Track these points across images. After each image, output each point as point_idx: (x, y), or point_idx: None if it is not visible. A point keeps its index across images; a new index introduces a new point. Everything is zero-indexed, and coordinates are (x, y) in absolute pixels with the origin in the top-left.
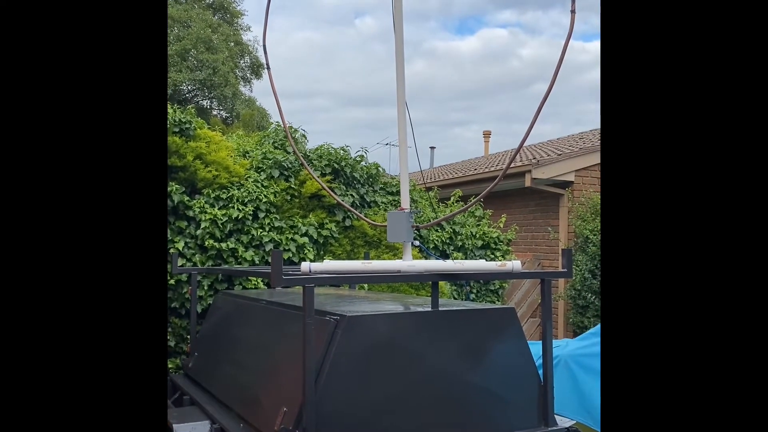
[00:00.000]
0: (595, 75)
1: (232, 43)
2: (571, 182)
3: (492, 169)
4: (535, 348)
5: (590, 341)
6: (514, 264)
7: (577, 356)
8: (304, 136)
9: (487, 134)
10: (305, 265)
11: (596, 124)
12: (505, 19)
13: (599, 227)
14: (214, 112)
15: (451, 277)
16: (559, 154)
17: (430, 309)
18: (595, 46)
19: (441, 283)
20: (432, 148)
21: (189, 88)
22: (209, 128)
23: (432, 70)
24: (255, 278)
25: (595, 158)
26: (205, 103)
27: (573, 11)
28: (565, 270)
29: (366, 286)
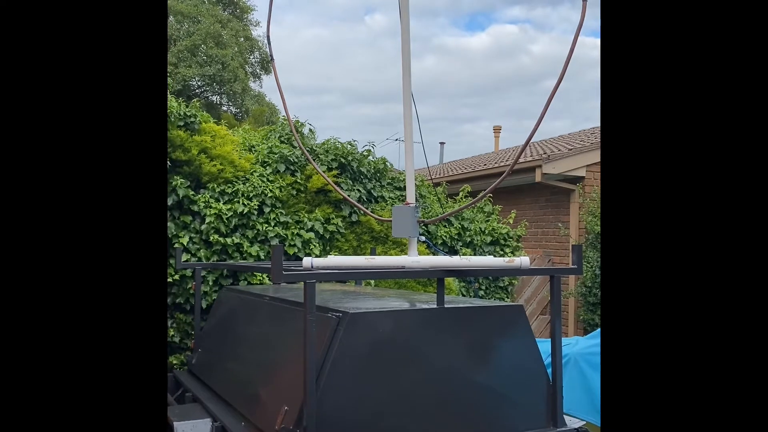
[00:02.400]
0: None
1: (242, 39)
2: (582, 177)
3: (502, 164)
4: (545, 346)
5: (599, 340)
6: (522, 260)
7: (587, 354)
8: (311, 131)
9: (497, 129)
10: (307, 261)
11: None
12: (515, 15)
13: None
14: (224, 108)
15: (457, 273)
16: (570, 149)
17: (435, 306)
18: None
19: (449, 279)
20: (442, 143)
21: (198, 83)
22: (215, 122)
23: (442, 67)
24: (260, 274)
25: None
26: (215, 98)
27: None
28: (575, 266)
29: (372, 282)
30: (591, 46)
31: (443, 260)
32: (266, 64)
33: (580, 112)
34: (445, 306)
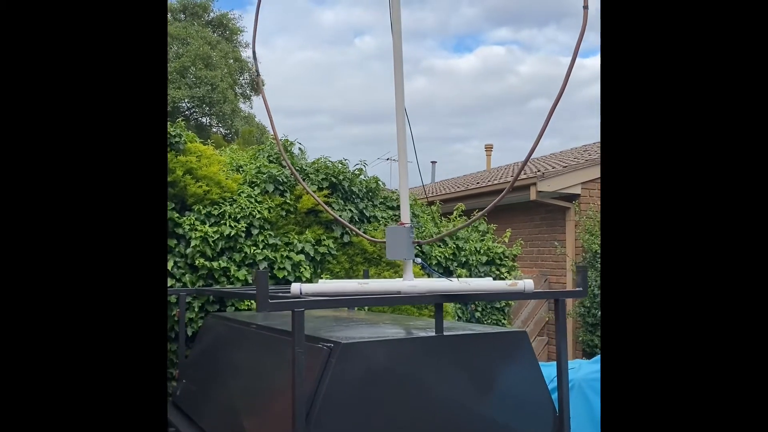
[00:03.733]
0: (592, 91)
1: (231, 60)
2: (578, 195)
3: (495, 182)
4: (546, 370)
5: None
6: (526, 283)
7: (592, 380)
8: (301, 150)
9: (489, 148)
10: (295, 287)
11: (595, 138)
12: (502, 37)
13: None
14: (214, 129)
15: (457, 298)
16: (565, 167)
17: (434, 334)
18: (593, 62)
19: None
20: (433, 162)
21: (188, 105)
22: (201, 142)
23: (432, 88)
24: (248, 299)
25: None
26: (205, 120)
27: (585, 7)
28: (580, 289)
29: (366, 306)
30: (577, 66)
31: (442, 284)
32: (255, 85)
33: (568, 131)
34: (445, 333)
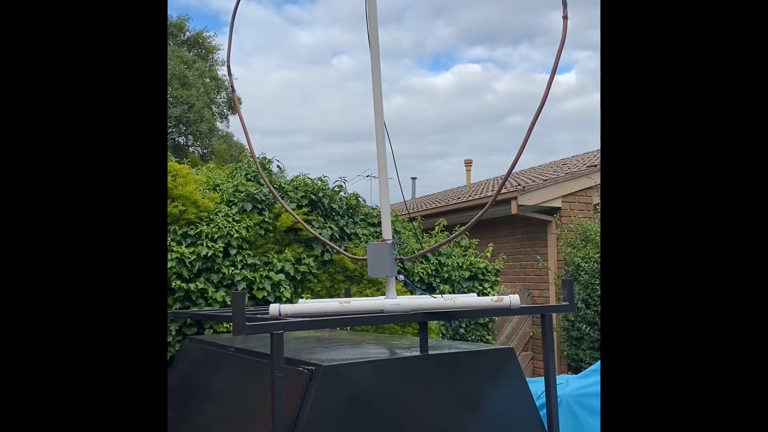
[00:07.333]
0: (566, 106)
1: (208, 79)
2: (559, 208)
3: (475, 197)
4: (533, 386)
5: (593, 379)
6: (512, 299)
7: (580, 396)
8: (280, 168)
9: (468, 163)
10: (274, 308)
11: (570, 153)
12: (477, 55)
13: (590, 254)
14: (191, 149)
15: (442, 315)
16: (545, 180)
17: (418, 353)
18: (566, 78)
19: None
20: (413, 178)
21: None
22: (177, 161)
23: (410, 105)
24: (227, 322)
25: (583, 183)
26: (182, 139)
27: (565, 17)
28: (567, 303)
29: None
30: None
31: (426, 301)
32: (233, 103)
33: (544, 146)
34: (430, 353)
